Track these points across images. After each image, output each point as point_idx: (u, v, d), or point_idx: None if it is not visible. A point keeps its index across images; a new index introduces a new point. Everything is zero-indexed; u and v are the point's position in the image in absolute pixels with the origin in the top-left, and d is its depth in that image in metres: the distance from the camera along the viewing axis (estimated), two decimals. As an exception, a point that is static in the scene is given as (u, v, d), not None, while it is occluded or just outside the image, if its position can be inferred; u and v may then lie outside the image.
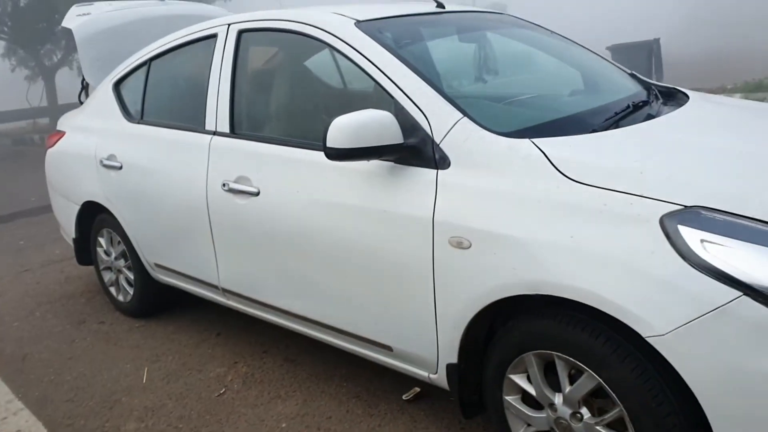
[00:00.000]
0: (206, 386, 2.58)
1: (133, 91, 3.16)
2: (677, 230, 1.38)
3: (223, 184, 2.40)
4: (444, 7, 2.50)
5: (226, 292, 2.62)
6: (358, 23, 2.14)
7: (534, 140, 1.68)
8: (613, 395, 1.50)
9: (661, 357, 1.39)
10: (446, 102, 1.82)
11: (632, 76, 2.62)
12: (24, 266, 4.54)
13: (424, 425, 2.17)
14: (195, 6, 4.14)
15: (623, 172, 1.53)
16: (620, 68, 2.69)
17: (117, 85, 3.26)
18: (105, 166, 3.09)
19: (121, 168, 2.99)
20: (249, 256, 2.39)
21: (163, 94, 3.02)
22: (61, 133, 3.56)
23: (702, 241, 1.36)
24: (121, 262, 3.31)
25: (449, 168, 1.76)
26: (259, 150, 2.32)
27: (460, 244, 1.68)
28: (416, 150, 1.82)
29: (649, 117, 1.99)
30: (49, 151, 3.61)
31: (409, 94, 1.87)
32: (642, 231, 1.41)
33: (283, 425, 2.25)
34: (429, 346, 1.87)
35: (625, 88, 2.40)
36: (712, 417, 1.35)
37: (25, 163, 11.19)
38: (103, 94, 3.34)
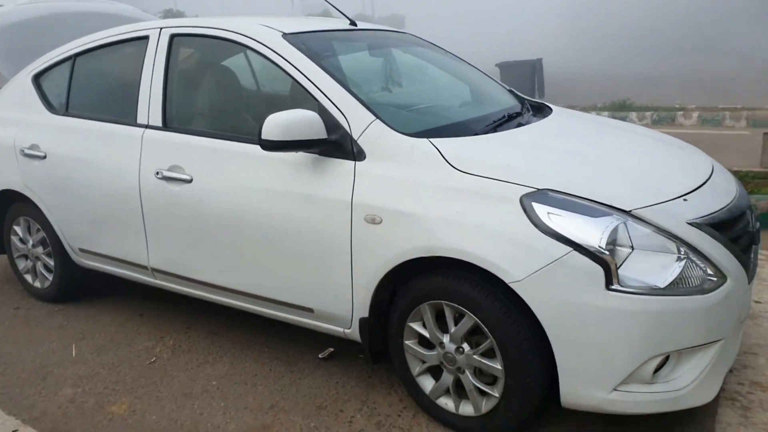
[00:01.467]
0: (137, 356, 2.82)
1: (55, 84, 3.30)
2: (532, 206, 1.90)
3: (157, 173, 2.67)
4: (356, 25, 2.93)
5: (155, 271, 2.87)
6: (285, 35, 2.52)
7: (431, 140, 2.15)
8: (486, 330, 1.99)
9: (519, 298, 1.90)
10: (362, 106, 2.25)
11: (510, 91, 3.20)
12: None
13: (338, 377, 2.57)
14: (110, 5, 4.28)
15: (496, 165, 2.04)
16: (501, 85, 3.27)
17: (37, 78, 3.38)
18: (26, 155, 3.21)
19: (45, 157, 3.13)
20: (181, 238, 2.67)
21: (90, 88, 3.20)
22: (-27, 123, 3.58)
23: (548, 213, 1.89)
24: (40, 249, 3.41)
25: (365, 160, 2.19)
26: (192, 142, 2.62)
27: (373, 220, 2.11)
28: (338, 144, 2.23)
29: (520, 125, 2.54)
30: (-40, 139, 3.61)
31: (331, 99, 2.28)
32: (508, 207, 1.92)
33: (214, 383, 2.56)
34: (345, 305, 2.28)
35: (503, 101, 2.97)
36: (552, 339, 1.88)
37: None
38: (20, 85, 3.43)
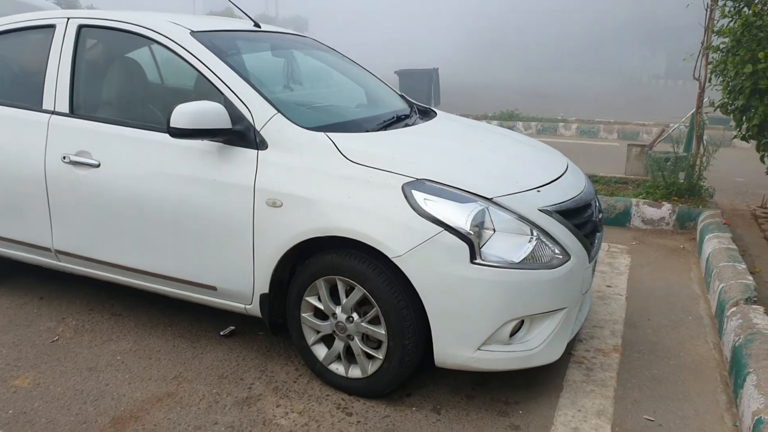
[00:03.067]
0: (38, 336, 2.87)
1: (-51, 66, 3.25)
2: (411, 193, 2.24)
3: (64, 157, 2.76)
4: (260, 27, 3.17)
5: (59, 253, 2.94)
6: (193, 33, 2.71)
7: (328, 134, 2.44)
8: (372, 299, 2.31)
9: (399, 271, 2.23)
10: (264, 100, 2.50)
11: (402, 96, 3.56)
12: None
13: (238, 351, 2.79)
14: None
15: (383, 157, 2.37)
16: (394, 90, 3.62)
17: (-72, 59, 3.30)
18: None
19: (-61, 140, 3.08)
20: (87, 220, 2.78)
21: (-10, 73, 3.19)
22: None
23: (425, 199, 2.23)
24: (-72, 234, 3.33)
25: (267, 149, 2.43)
26: (100, 129, 2.74)
27: (274, 204, 2.37)
28: (241, 134, 2.46)
29: (407, 125, 2.89)
30: None
31: (236, 92, 2.50)
32: (391, 193, 2.25)
33: (119, 357, 2.69)
34: (247, 282, 2.51)
35: (394, 105, 3.32)
36: (427, 306, 2.23)
37: None
38: None
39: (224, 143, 2.49)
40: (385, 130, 2.74)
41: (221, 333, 2.92)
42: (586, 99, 16.18)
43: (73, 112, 2.83)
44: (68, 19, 2.91)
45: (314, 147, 2.40)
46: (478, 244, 2.19)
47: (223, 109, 2.41)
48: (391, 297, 2.27)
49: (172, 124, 2.34)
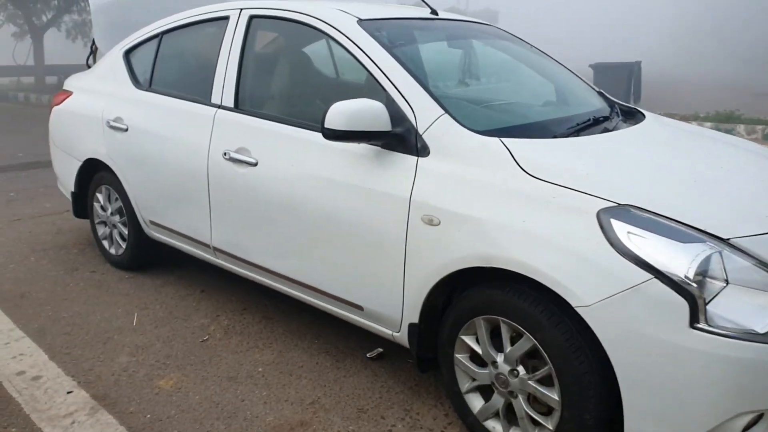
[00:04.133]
0: (191, 333, 2.84)
1: (143, 60, 3.39)
2: (610, 223, 1.69)
3: (224, 153, 2.66)
4: (437, 14, 2.79)
5: (216, 250, 2.88)
6: (360, 21, 2.41)
7: (502, 139, 1.98)
8: (545, 355, 1.81)
9: (585, 324, 1.71)
10: (431, 99, 2.11)
11: (600, 94, 2.94)
12: (16, 216, 4.72)
13: (384, 379, 2.47)
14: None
15: (572, 173, 1.84)
16: (590, 85, 3.01)
17: (128, 54, 3.48)
18: (111, 127, 3.32)
19: (126, 130, 3.22)
20: (242, 220, 2.66)
21: (172, 66, 3.26)
22: (68, 93, 3.77)
23: (628, 233, 1.67)
24: (117, 218, 3.54)
25: (428, 156, 2.05)
26: (260, 125, 2.59)
27: (431, 221, 1.98)
28: (401, 138, 2.11)
29: (606, 130, 2.31)
30: (55, 108, 3.82)
31: (399, 89, 2.15)
32: (582, 221, 1.72)
33: (260, 369, 2.53)
34: (395, 307, 2.17)
35: (590, 103, 2.72)
36: (621, 375, 1.67)
37: (10, 119, 11.22)
38: (113, 60, 3.56)
39: (381, 147, 2.16)
40: (577, 135, 2.19)
41: (368, 355, 2.63)
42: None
43: (238, 106, 2.72)
44: (241, 9, 2.82)
45: (484, 155, 1.96)
46: (704, 301, 1.58)
47: (383, 108, 2.08)
48: (571, 356, 1.75)
49: (326, 125, 2.07)
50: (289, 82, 2.74)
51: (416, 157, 2.07)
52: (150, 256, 3.58)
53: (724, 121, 9.58)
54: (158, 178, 3.08)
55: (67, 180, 3.82)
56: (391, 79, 2.18)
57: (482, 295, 1.95)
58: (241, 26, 2.77)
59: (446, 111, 2.08)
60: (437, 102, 2.10)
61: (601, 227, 1.69)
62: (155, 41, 3.31)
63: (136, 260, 3.56)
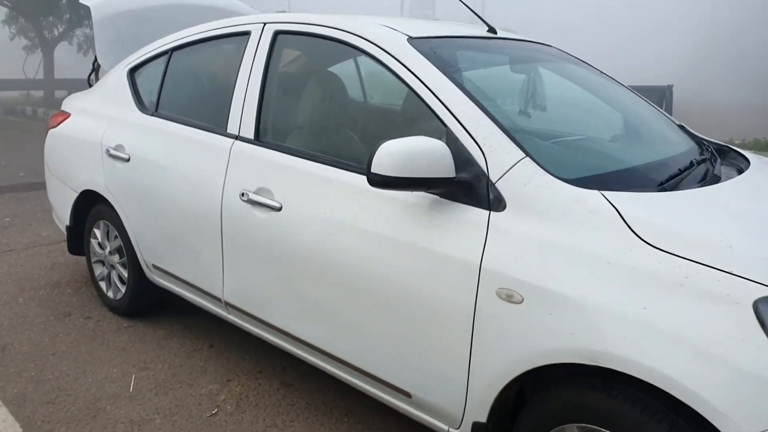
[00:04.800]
0: (197, 404, 2.39)
1: (149, 80, 2.99)
2: (771, 317, 1.24)
3: (242, 194, 2.23)
4: (495, 33, 2.37)
5: (229, 306, 2.44)
6: (411, 40, 2.00)
7: (604, 192, 1.54)
8: (669, 486, 1.35)
9: (732, 455, 1.25)
10: (506, 138, 1.68)
11: (681, 127, 2.50)
12: (9, 245, 4.31)
13: (434, 478, 2.01)
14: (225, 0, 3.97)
15: (709, 243, 1.39)
16: (666, 116, 2.58)
17: (132, 72, 3.09)
18: (111, 155, 2.91)
19: (128, 160, 2.81)
20: (262, 273, 2.22)
21: (182, 88, 2.85)
22: (66, 115, 3.37)
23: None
24: (116, 258, 3.12)
25: (504, 211, 1.61)
26: (286, 162, 2.16)
27: (510, 298, 1.53)
28: (468, 186, 1.67)
29: (716, 179, 1.86)
30: (51, 131, 3.41)
31: (465, 125, 1.72)
32: (730, 314, 1.27)
33: (281, 462, 2.08)
34: (456, 400, 1.72)
35: (677, 141, 2.28)
36: None
37: (16, 134, 10.90)
38: (115, 79, 3.16)
39: (441, 196, 1.73)
40: (688, 188, 1.74)
41: (410, 440, 2.17)
42: None
43: (259, 138, 2.30)
44: (264, 24, 2.41)
45: (583, 213, 1.52)
46: None
47: (445, 149, 1.65)
48: (709, 493, 1.29)
49: (374, 169, 1.63)
50: (322, 111, 2.32)
51: (487, 212, 1.63)
52: (152, 302, 3.15)
53: (764, 148, 9.10)
54: (163, 218, 2.65)
55: (62, 212, 3.40)
56: (453, 112, 1.75)
57: (577, 395, 1.50)
58: (264, 43, 2.36)
59: (527, 153, 1.65)
60: (515, 142, 1.67)
61: (762, 323, 1.24)
62: (163, 59, 2.90)
63: (137, 306, 3.13)
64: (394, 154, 1.60)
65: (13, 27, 18.79)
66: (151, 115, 2.84)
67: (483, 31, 2.37)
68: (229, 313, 2.49)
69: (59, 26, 17.33)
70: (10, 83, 16.88)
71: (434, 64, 1.87)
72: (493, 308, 1.56)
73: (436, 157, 1.62)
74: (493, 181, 1.64)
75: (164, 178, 2.61)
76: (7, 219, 5.05)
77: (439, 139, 1.70)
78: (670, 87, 10.55)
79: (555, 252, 1.49)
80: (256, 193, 2.20)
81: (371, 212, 1.86)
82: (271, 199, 2.14)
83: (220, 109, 2.46)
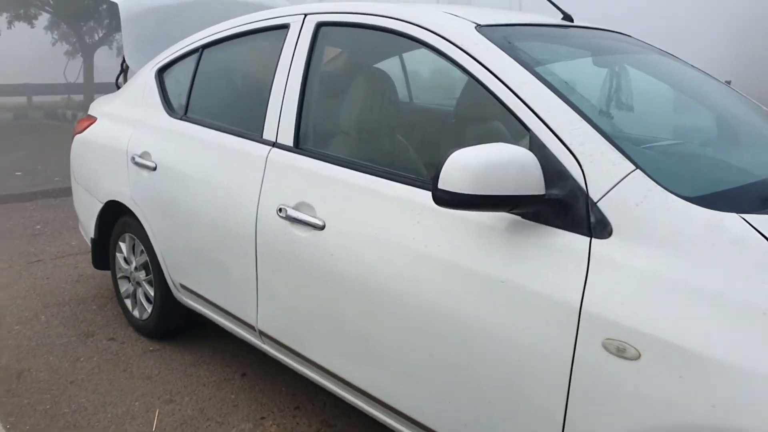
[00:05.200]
0: (227, 450, 2.11)
1: (178, 81, 2.73)
2: None
3: (280, 209, 1.94)
4: (572, 20, 2.02)
5: (263, 335, 2.15)
6: (480, 28, 1.67)
7: (744, 216, 1.19)
8: None
9: None
10: (609, 145, 1.33)
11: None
12: (36, 255, 4.14)
13: None
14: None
15: None
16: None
17: (160, 73, 2.83)
18: (136, 164, 2.66)
19: (155, 169, 2.55)
20: (301, 301, 1.92)
21: (214, 89, 2.58)
22: (92, 119, 3.15)
23: None
24: (142, 275, 2.87)
25: (610, 238, 1.27)
26: (330, 173, 1.86)
27: (622, 352, 1.19)
28: (561, 205, 1.33)
29: None
30: (77, 137, 3.20)
31: (554, 128, 1.39)
32: None
33: None
34: (542, 470, 1.38)
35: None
36: None
37: (55, 138, 10.95)
38: (143, 80, 2.91)
39: (522, 217, 1.39)
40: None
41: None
42: None
43: (299, 145, 2.00)
44: (305, 15, 2.11)
45: (723, 245, 1.16)
46: None
47: (533, 160, 1.31)
48: None
49: (442, 185, 1.31)
50: (372, 113, 2.00)
51: (587, 238, 1.30)
52: (181, 324, 2.89)
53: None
54: (191, 233, 2.38)
55: (87, 223, 3.18)
56: (538, 112, 1.42)
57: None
58: (305, 38, 2.06)
59: (637, 165, 1.30)
60: (620, 150, 1.33)
61: None
62: (193, 57, 2.64)
63: (164, 327, 2.87)
64: (470, 167, 1.27)
65: (56, 32, 19.17)
66: (180, 119, 2.58)
67: (557, 19, 2.03)
68: (264, 343, 2.20)
69: (99, 31, 17.56)
70: (51, 88, 17.16)
71: (511, 56, 1.54)
72: (599, 364, 1.22)
73: (524, 167, 1.29)
74: (595, 200, 1.30)
75: (192, 190, 2.34)
76: (38, 227, 4.90)
77: (519, 145, 1.37)
78: (728, 83, 9.94)
79: (686, 295, 1.14)
80: (295, 208, 1.90)
81: (434, 234, 1.53)
82: (313, 216, 1.84)
83: (256, 112, 2.18)
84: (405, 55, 2.44)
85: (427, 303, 1.53)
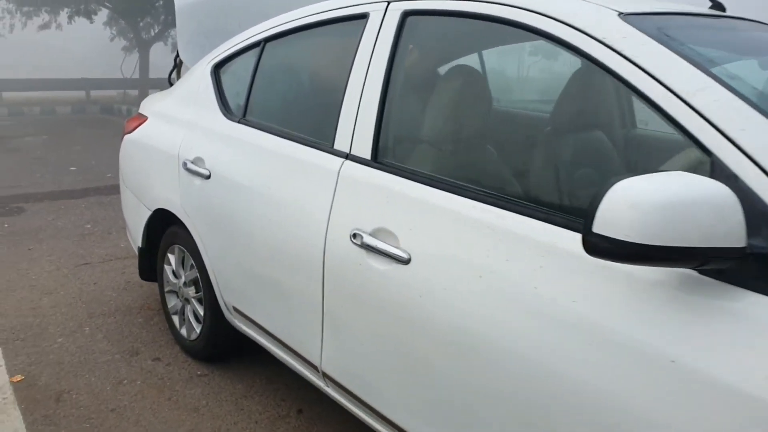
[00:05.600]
0: None
1: (237, 79, 2.45)
2: None
3: (354, 235, 1.62)
4: (724, 10, 1.62)
5: (327, 378, 1.84)
6: (624, 17, 1.30)
7: None
8: None
9: None
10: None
11: None
12: (84, 258, 3.97)
13: None
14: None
15: None
16: None
17: (217, 69, 2.56)
18: (188, 170, 2.39)
19: (208, 177, 2.28)
20: (377, 346, 1.60)
21: (277, 88, 2.29)
22: (143, 118, 2.91)
23: None
24: (191, 291, 2.61)
25: None
26: (417, 194, 1.52)
27: None
28: (764, 262, 0.96)
29: None
30: (126, 137, 2.96)
31: (754, 156, 1.01)
32: None
33: None
34: None
35: None
36: None
37: (110, 133, 11.05)
38: (198, 77, 2.65)
39: (703, 273, 1.02)
40: None
41: None
42: None
43: (378, 159, 1.67)
44: (388, 3, 1.78)
45: None
46: None
47: (735, 200, 0.94)
48: None
49: (600, 229, 0.95)
50: (475, 123, 1.65)
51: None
52: (231, 347, 2.62)
53: None
54: (247, 252, 2.09)
55: (135, 230, 2.95)
56: (726, 133, 1.04)
57: None
58: (388, 29, 1.73)
59: None
60: None
61: None
62: (254, 52, 2.35)
63: (213, 351, 2.60)
64: (644, 205, 0.91)
65: (114, 28, 19.57)
66: (238, 122, 2.29)
67: (703, 8, 1.63)
68: (327, 386, 1.89)
69: (155, 27, 17.80)
70: (108, 82, 17.49)
71: (674, 52, 1.17)
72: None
73: (718, 211, 0.92)
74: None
75: (250, 203, 2.04)
76: (88, 226, 4.77)
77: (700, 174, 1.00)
78: None
79: None
80: (373, 235, 1.57)
81: (567, 286, 1.18)
82: (396, 247, 1.51)
83: (326, 117, 1.86)
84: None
85: (554, 374, 1.18)
